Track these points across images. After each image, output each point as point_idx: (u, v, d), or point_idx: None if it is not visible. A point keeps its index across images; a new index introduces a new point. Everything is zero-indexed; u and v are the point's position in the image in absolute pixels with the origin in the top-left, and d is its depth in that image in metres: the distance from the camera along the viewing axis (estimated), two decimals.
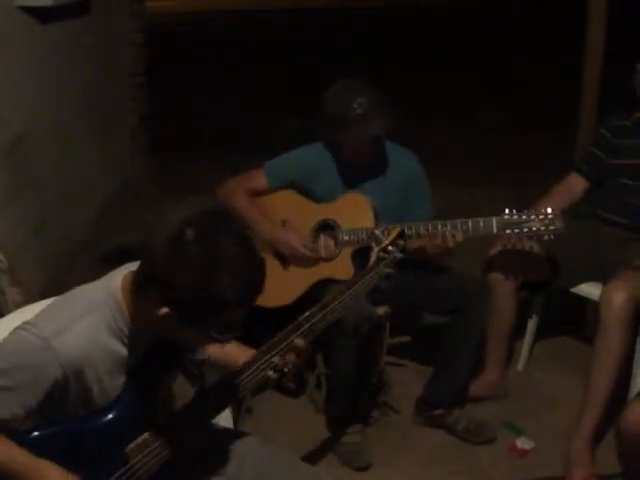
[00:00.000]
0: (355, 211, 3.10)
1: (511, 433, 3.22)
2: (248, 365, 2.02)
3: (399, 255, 2.53)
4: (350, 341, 2.95)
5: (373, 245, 2.53)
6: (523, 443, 3.16)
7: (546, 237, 2.91)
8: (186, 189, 5.30)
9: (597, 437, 3.03)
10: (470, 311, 3.09)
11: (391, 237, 2.56)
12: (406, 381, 3.50)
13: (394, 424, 3.30)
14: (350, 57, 11.02)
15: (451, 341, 3.15)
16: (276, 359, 2.04)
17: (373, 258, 2.48)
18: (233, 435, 2.18)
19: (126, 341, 1.87)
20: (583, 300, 3.41)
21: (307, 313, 2.15)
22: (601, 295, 3.06)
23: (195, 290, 1.70)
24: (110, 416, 1.85)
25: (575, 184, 3.49)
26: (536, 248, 3.19)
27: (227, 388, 2.00)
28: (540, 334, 3.72)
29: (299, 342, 2.09)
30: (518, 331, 3.57)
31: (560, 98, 6.67)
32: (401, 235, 2.60)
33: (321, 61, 10.80)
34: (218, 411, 2.02)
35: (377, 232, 2.69)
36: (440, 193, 3.42)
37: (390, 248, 2.52)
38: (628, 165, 3.35)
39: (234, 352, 2.12)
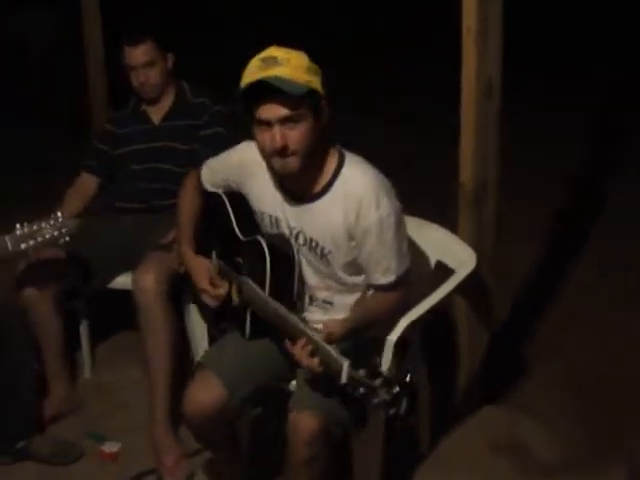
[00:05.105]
0: None
1: (95, 441, 3.19)
2: None
3: None
4: None
5: None
6: (109, 447, 3.14)
7: (62, 241, 2.85)
8: None
9: (174, 418, 3.08)
10: (7, 339, 3.01)
11: None
12: None
13: None
14: None
15: (5, 374, 3.03)
16: None
17: None
18: None
19: None
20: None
21: None
22: (132, 283, 3.13)
23: None
24: None
25: (87, 183, 3.52)
26: (61, 254, 3.17)
27: None
28: (100, 336, 3.73)
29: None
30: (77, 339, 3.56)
31: None
32: None
33: None
34: None
35: None
36: None
37: None
38: (133, 151, 3.46)
39: None
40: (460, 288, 2.97)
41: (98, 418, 3.35)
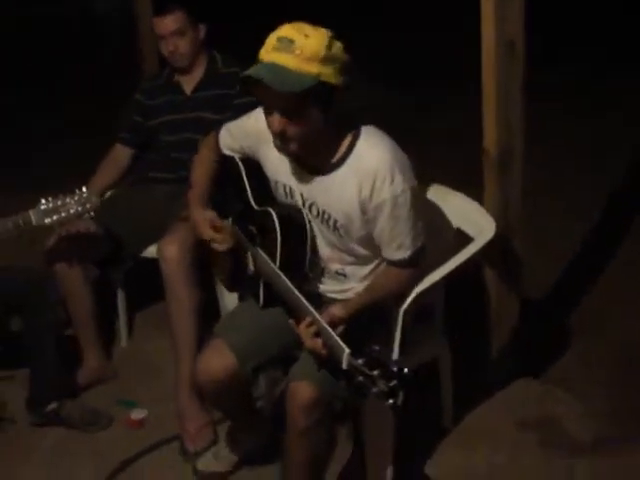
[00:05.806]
0: None
1: (125, 408, 3.23)
2: None
3: None
4: None
5: None
6: (137, 414, 3.18)
7: (86, 215, 2.90)
8: None
9: None
10: (32, 304, 3.06)
11: None
12: (15, 390, 3.33)
13: (15, 436, 3.17)
14: None
15: (32, 337, 3.10)
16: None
17: None
18: None
19: None
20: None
21: None
22: (157, 252, 3.15)
23: None
24: None
25: (120, 154, 3.54)
26: (93, 227, 3.20)
27: None
28: (137, 305, 3.77)
29: None
30: (115, 309, 3.62)
31: None
32: None
33: None
34: None
35: None
36: None
37: None
38: (165, 122, 3.46)
39: None
40: (488, 256, 2.89)
41: (132, 386, 3.40)
